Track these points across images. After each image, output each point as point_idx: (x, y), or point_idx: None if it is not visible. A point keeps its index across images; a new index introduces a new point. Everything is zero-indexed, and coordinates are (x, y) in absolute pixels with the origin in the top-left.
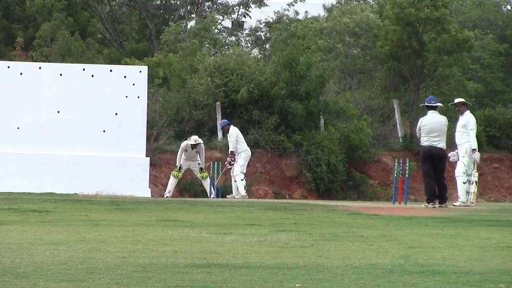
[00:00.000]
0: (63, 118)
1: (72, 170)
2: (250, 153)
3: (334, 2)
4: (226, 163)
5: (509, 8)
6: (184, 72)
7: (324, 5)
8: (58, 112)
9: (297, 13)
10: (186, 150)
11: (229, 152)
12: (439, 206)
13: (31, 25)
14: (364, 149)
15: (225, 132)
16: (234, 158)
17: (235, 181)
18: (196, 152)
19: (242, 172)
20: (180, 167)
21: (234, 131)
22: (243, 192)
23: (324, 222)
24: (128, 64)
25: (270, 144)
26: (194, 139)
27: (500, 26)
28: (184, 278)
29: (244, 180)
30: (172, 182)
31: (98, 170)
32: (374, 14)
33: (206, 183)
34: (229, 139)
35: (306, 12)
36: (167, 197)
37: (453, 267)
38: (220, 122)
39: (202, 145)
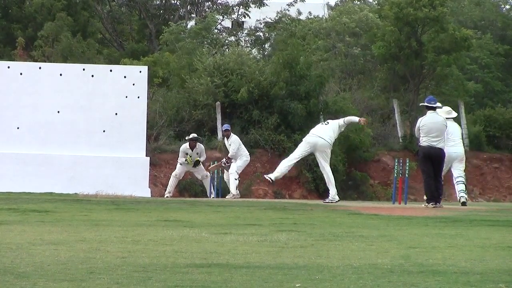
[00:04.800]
0: (63, 118)
1: (72, 170)
2: (249, 160)
3: (338, 1)
4: (222, 161)
5: (508, 8)
6: (182, 71)
7: (328, 4)
8: (58, 112)
9: (299, 12)
10: (187, 153)
11: (228, 156)
12: (433, 206)
13: (30, 25)
14: (364, 149)
15: (225, 136)
16: (230, 162)
17: (236, 179)
18: (197, 154)
19: (237, 172)
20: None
21: (236, 140)
22: (234, 191)
23: (324, 222)
24: (127, 65)
25: (270, 144)
26: (192, 134)
27: (499, 28)
28: (184, 278)
29: (237, 181)
30: (172, 183)
31: (98, 170)
32: (373, 13)
33: (206, 183)
34: (228, 145)
35: (310, 13)
36: (167, 197)
37: (453, 267)
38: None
39: (202, 146)
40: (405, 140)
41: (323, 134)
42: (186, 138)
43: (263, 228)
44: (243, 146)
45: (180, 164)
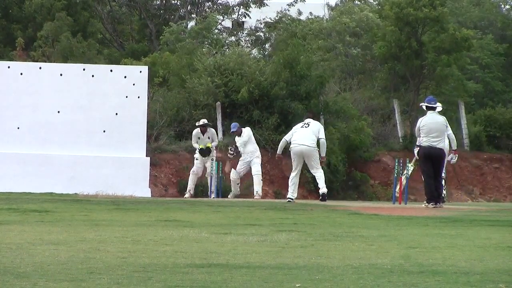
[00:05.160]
0: (63, 118)
1: (72, 170)
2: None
3: (338, 2)
4: (229, 151)
5: (508, 8)
6: (182, 71)
7: (328, 4)
8: (58, 112)
9: (300, 12)
10: (199, 138)
11: (234, 146)
12: (433, 206)
13: (30, 25)
14: (364, 149)
15: (237, 135)
16: (234, 152)
17: (238, 183)
18: (209, 138)
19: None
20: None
21: (247, 132)
22: (260, 191)
23: (324, 222)
24: (127, 65)
25: (271, 144)
26: (202, 120)
27: (499, 28)
28: (184, 278)
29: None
30: (191, 181)
31: (98, 170)
32: (373, 13)
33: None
34: (243, 141)
35: (311, 13)
36: (186, 197)
37: (453, 267)
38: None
39: (213, 130)
40: (406, 140)
41: (305, 141)
42: (196, 124)
43: (263, 228)
44: (255, 144)
45: (196, 159)
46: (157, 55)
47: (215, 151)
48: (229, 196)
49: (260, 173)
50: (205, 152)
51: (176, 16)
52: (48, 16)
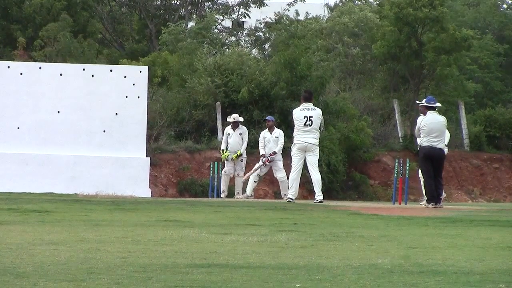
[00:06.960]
0: (63, 118)
1: (72, 170)
2: None
3: (337, 1)
4: (265, 160)
5: (505, 7)
6: (182, 71)
7: (327, 4)
8: (58, 112)
9: (297, 13)
10: (229, 134)
11: (273, 152)
12: (433, 206)
13: (30, 26)
14: (364, 149)
15: (270, 127)
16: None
17: (255, 181)
18: (240, 134)
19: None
20: (224, 150)
21: (281, 133)
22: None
23: (324, 222)
24: (126, 65)
25: None
26: (233, 116)
27: (496, 28)
28: (184, 278)
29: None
30: (223, 181)
31: (98, 170)
32: (373, 13)
33: (239, 181)
34: (272, 137)
35: (307, 13)
36: (221, 197)
37: (453, 267)
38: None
39: (245, 128)
40: (405, 140)
41: (310, 140)
42: (228, 120)
43: (263, 228)
44: None
45: (226, 160)
46: (156, 54)
47: (244, 151)
48: (239, 197)
49: (286, 177)
50: (229, 158)
51: (176, 16)
52: (48, 16)
